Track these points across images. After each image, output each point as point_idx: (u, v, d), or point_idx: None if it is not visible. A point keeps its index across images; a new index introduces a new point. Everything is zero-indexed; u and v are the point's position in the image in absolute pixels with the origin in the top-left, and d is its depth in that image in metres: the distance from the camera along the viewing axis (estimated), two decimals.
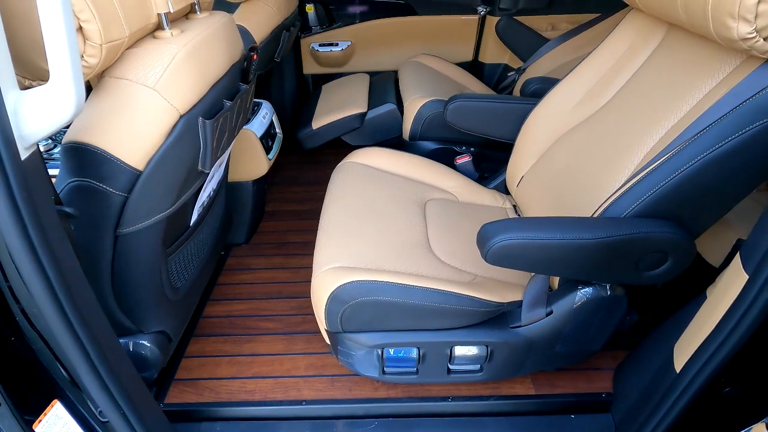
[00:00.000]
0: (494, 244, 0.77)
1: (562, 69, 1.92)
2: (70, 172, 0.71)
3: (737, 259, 0.72)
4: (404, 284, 0.91)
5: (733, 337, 0.67)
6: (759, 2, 0.62)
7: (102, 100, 0.69)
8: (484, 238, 0.79)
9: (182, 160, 0.80)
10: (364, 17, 2.24)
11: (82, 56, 0.62)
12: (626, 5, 1.88)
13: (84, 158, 0.69)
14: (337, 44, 2.26)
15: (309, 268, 1.54)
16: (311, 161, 2.17)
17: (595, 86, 1.13)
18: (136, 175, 0.73)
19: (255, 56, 0.99)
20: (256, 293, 1.47)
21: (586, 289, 0.92)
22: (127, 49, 0.72)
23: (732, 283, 0.71)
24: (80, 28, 0.61)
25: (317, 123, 1.79)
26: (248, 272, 1.56)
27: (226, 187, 1.39)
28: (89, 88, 0.73)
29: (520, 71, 2.04)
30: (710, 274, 0.91)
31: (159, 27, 0.78)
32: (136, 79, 0.69)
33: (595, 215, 0.86)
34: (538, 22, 2.16)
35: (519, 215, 1.31)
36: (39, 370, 0.70)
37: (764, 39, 0.65)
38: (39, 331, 0.66)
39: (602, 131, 1.04)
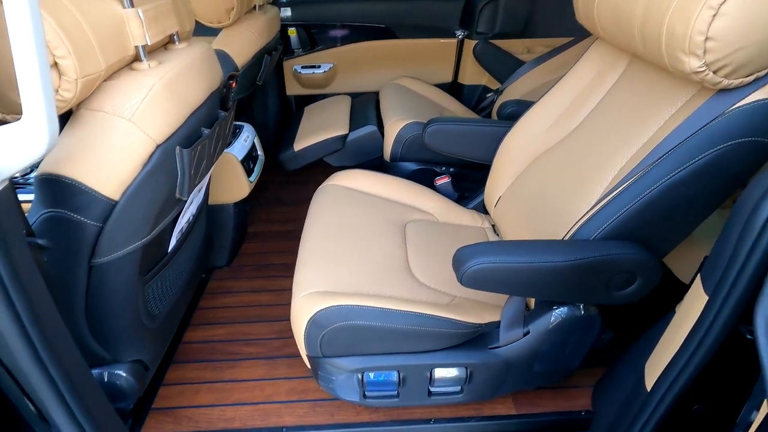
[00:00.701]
0: (468, 268, 0.79)
1: (538, 90, 1.99)
2: (44, 203, 0.71)
3: (698, 280, 0.75)
4: (383, 308, 0.91)
5: (696, 357, 0.70)
6: (706, 40, 0.66)
7: (77, 132, 0.70)
8: (458, 262, 0.81)
9: (159, 189, 0.80)
10: (346, 40, 2.29)
11: (57, 91, 0.63)
12: None
13: (58, 189, 0.69)
14: (319, 66, 2.30)
15: (291, 291, 1.54)
16: (294, 181, 2.18)
17: (566, 110, 1.18)
18: (112, 204, 0.74)
19: (234, 84, 1.00)
20: (238, 317, 1.46)
21: (561, 309, 0.94)
22: (104, 81, 0.73)
23: (694, 303, 0.74)
24: (55, 64, 0.61)
25: (299, 145, 1.81)
26: (230, 295, 1.55)
27: (206, 210, 1.39)
28: (66, 119, 0.73)
29: (499, 92, 2.10)
30: (682, 290, 0.94)
31: (137, 58, 0.79)
32: (113, 111, 0.70)
33: (566, 237, 0.89)
34: (514, 46, 2.23)
35: (498, 235, 1.33)
36: (4, 405, 0.68)
37: (714, 72, 0.69)
38: (5, 365, 0.64)
39: (573, 154, 1.08)
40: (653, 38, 0.77)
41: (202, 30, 1.57)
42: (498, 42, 2.21)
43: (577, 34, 2.17)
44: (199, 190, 1.10)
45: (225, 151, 1.42)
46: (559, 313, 0.94)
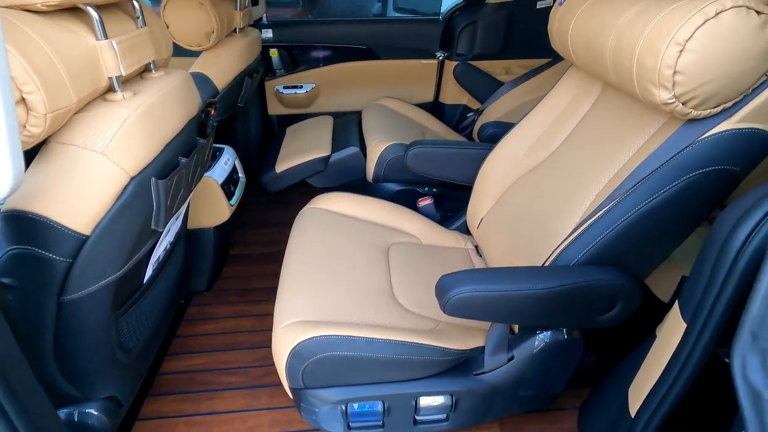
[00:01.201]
0: (451, 297, 0.79)
1: (517, 110, 2.03)
2: (10, 240, 0.68)
3: (677, 306, 0.76)
4: (366, 337, 0.90)
5: (678, 383, 0.70)
6: (674, 73, 0.68)
7: (46, 167, 0.67)
8: (441, 291, 0.81)
9: (133, 222, 0.78)
10: (328, 61, 2.31)
11: (25, 126, 0.61)
12: None
13: (25, 226, 0.67)
14: (301, 86, 2.30)
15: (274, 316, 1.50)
16: (277, 202, 2.16)
17: (543, 135, 1.20)
18: (82, 240, 0.71)
19: (213, 111, 0.99)
20: (218, 344, 1.42)
21: (544, 333, 0.94)
22: (76, 113, 0.71)
23: (674, 328, 0.75)
24: (23, 99, 0.60)
25: (281, 166, 1.80)
26: (210, 322, 1.51)
27: (186, 234, 1.36)
28: (35, 152, 0.71)
29: (479, 112, 2.13)
30: (662, 309, 0.95)
31: (111, 89, 0.77)
32: (84, 144, 0.68)
33: (547, 263, 0.90)
34: (492, 67, 2.28)
35: (481, 256, 1.34)
36: None
37: (683, 104, 0.71)
38: None
39: (551, 179, 1.09)
40: (624, 69, 0.79)
41: (182, 50, 1.57)
42: (477, 63, 2.26)
43: (551, 55, 2.23)
44: (177, 218, 1.07)
45: (205, 174, 1.40)
46: (542, 338, 0.94)
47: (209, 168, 1.45)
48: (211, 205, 1.44)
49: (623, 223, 0.80)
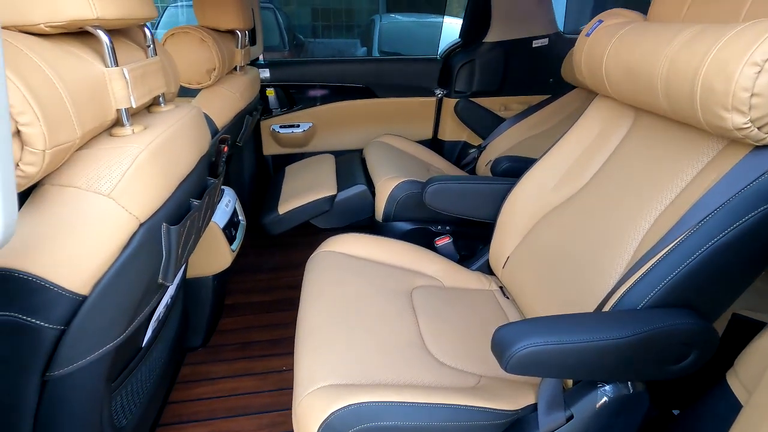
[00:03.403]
0: (516, 353, 0.68)
1: (521, 145, 2.01)
2: None
3: None
4: (409, 403, 0.77)
5: None
6: (752, 96, 0.63)
7: (40, 215, 0.56)
8: (502, 345, 0.70)
9: (140, 276, 0.66)
10: (325, 100, 2.27)
11: (18, 164, 0.50)
12: (572, 87, 2.06)
13: (10, 288, 0.54)
14: (298, 125, 2.24)
15: (278, 373, 1.35)
16: (276, 244, 2.03)
17: (572, 168, 1.14)
18: (79, 301, 0.58)
19: (225, 148, 0.90)
20: (217, 410, 1.25)
21: (606, 387, 0.83)
22: (77, 150, 0.60)
23: None
24: (18, 132, 0.49)
25: (284, 207, 1.69)
26: (206, 383, 1.34)
27: (184, 284, 1.22)
28: (25, 197, 0.59)
29: (481, 148, 2.10)
30: (719, 351, 0.86)
31: (118, 123, 0.67)
32: (87, 186, 0.57)
33: (607, 307, 0.81)
34: (491, 103, 2.29)
35: (508, 298, 1.24)
36: None
37: (758, 128, 0.66)
38: None
39: (586, 213, 1.03)
40: (683, 95, 0.74)
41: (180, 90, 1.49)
42: (476, 100, 2.26)
43: (548, 91, 2.26)
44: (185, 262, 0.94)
45: None
46: (604, 392, 0.83)
47: None
48: (211, 251, 1.31)
49: (695, 260, 0.72)
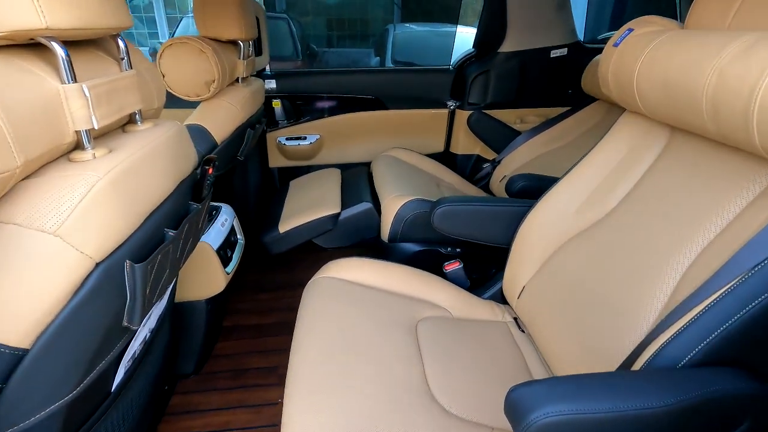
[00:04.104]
0: (535, 422, 0.57)
1: (538, 161, 1.89)
2: None
3: None
4: None
5: None
6: None
7: None
8: (517, 411, 0.59)
9: (97, 321, 0.57)
10: (333, 112, 2.20)
11: None
12: (592, 99, 1.94)
13: None
14: (305, 138, 2.17)
15: (273, 405, 1.25)
16: (279, 263, 1.95)
17: (597, 190, 1.03)
18: (18, 356, 0.50)
19: (210, 170, 0.82)
20: None
21: None
22: (23, 179, 0.52)
23: None
24: None
25: (285, 226, 1.61)
26: (196, 416, 1.25)
27: (172, 309, 1.14)
28: None
29: (495, 163, 2.00)
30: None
31: (78, 146, 0.59)
32: (29, 222, 0.49)
33: (640, 362, 0.69)
34: (506, 116, 2.18)
35: (523, 331, 1.13)
36: None
37: None
38: None
39: (612, 243, 0.91)
40: (733, 115, 0.63)
41: (178, 101, 1.43)
42: (490, 112, 2.16)
43: (566, 103, 2.14)
44: (161, 299, 0.86)
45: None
46: None
47: (203, 231, 1.25)
48: (204, 273, 1.23)
49: (751, 311, 0.61)
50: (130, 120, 0.72)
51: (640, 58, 0.82)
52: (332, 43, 7.33)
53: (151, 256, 0.62)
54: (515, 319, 1.18)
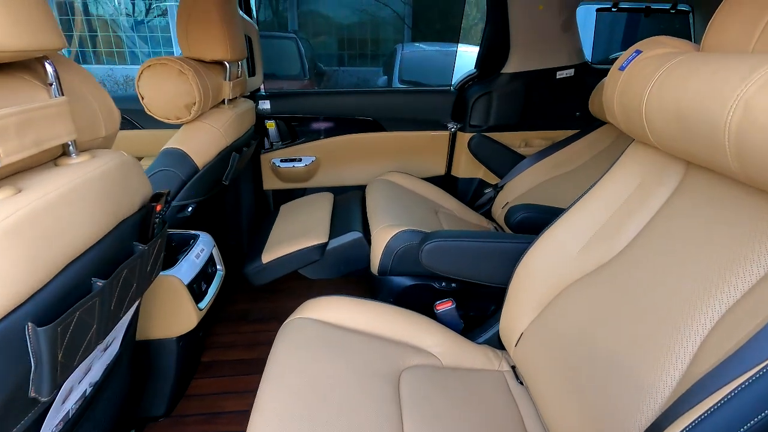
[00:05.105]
0: None
1: (543, 187, 1.78)
2: None
3: None
4: None
5: None
6: None
7: None
8: None
9: None
10: (330, 133, 2.12)
11: None
12: (602, 123, 1.84)
13: None
14: (300, 159, 2.09)
15: None
16: (267, 289, 1.85)
17: (603, 229, 0.92)
18: None
19: (159, 207, 0.73)
20: None
21: None
22: None
23: None
24: None
25: (268, 256, 1.51)
26: None
27: (137, 346, 1.04)
28: None
29: (498, 188, 1.89)
30: None
31: None
32: None
33: None
34: (510, 139, 2.08)
35: (521, 383, 1.01)
36: None
37: None
38: None
39: (625, 291, 0.79)
40: (762, 153, 0.52)
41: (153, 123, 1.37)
42: (493, 135, 2.06)
43: (574, 126, 2.04)
44: (106, 347, 0.76)
45: (167, 273, 1.12)
46: None
47: (175, 262, 1.17)
48: (173, 310, 1.14)
49: None
50: (64, 152, 0.64)
51: (649, 84, 0.71)
52: (343, 62, 7.39)
53: (63, 315, 0.52)
54: (513, 367, 1.06)
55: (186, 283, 1.13)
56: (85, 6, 6.83)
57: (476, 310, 1.39)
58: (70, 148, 0.63)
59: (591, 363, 0.77)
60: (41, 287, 0.51)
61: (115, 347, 0.83)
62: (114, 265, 0.64)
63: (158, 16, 7.09)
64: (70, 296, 0.56)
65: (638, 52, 0.79)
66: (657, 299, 0.72)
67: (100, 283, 0.59)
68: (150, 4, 7.07)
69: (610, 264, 0.87)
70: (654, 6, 1.91)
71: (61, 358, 0.54)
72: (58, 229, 0.53)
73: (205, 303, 1.21)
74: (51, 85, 0.60)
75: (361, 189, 2.02)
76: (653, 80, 0.71)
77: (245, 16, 1.84)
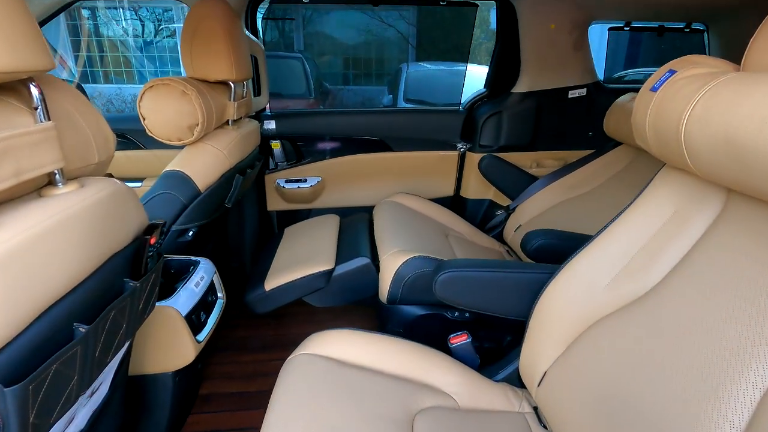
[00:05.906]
0: None
1: (556, 210, 1.71)
2: None
3: None
4: None
5: None
6: None
7: None
8: None
9: None
10: (336, 153, 2.08)
11: None
12: (616, 143, 1.78)
13: None
14: (305, 180, 2.04)
15: None
16: (270, 317, 1.78)
17: (635, 260, 0.84)
18: None
19: (153, 240, 0.67)
20: None
21: None
22: None
23: None
24: None
25: (271, 283, 1.44)
26: None
27: (130, 382, 0.97)
28: None
29: (510, 210, 1.82)
30: None
31: None
32: None
33: None
34: (521, 159, 2.03)
35: (544, 425, 0.92)
36: None
37: None
38: None
39: (662, 329, 0.72)
40: None
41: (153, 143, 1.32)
42: (504, 155, 2.01)
43: (587, 146, 1.98)
44: (91, 395, 0.69)
45: (164, 303, 1.05)
46: None
47: (174, 291, 1.10)
48: (169, 343, 1.07)
49: None
50: (50, 182, 0.58)
51: (689, 106, 0.65)
52: (348, 81, 7.46)
53: (37, 371, 0.45)
54: (535, 408, 0.97)
55: (184, 314, 1.06)
56: (96, 27, 6.96)
57: (491, 342, 1.31)
58: (57, 177, 0.58)
59: (623, 406, 0.69)
60: (14, 337, 0.45)
61: (103, 391, 0.76)
62: (101, 305, 0.58)
63: (167, 37, 7.21)
64: (48, 345, 0.49)
65: (672, 72, 0.74)
66: (699, 338, 0.64)
67: (83, 328, 0.53)
68: (159, 26, 7.21)
69: (643, 300, 0.79)
70: (668, 25, 1.88)
71: (34, 419, 0.47)
72: (38, 271, 0.47)
73: (204, 335, 1.14)
74: (36, 109, 0.54)
75: (368, 210, 1.96)
76: (693, 102, 0.65)
77: (251, 36, 1.82)
